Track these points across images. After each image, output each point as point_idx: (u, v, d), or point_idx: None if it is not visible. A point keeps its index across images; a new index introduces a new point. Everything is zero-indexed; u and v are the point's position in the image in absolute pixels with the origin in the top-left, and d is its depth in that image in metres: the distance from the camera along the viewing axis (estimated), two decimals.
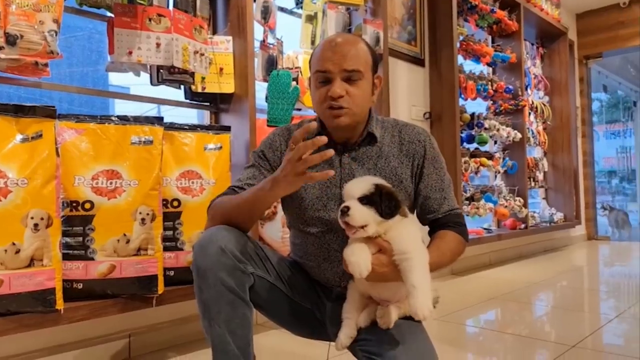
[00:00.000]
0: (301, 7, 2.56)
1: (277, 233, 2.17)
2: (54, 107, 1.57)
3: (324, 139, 1.02)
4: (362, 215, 1.04)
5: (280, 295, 1.25)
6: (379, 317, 1.11)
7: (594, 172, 6.16)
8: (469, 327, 2.37)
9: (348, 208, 1.05)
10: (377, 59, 1.27)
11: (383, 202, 1.05)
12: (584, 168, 5.88)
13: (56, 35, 1.54)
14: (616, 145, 10.34)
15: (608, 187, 10.47)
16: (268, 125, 2.31)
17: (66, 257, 1.62)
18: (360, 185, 1.09)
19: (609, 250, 5.21)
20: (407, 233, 1.08)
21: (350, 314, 1.17)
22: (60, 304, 1.54)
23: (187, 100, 2.29)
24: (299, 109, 2.51)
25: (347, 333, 1.16)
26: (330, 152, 1.03)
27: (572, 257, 4.75)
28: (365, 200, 1.05)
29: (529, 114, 4.70)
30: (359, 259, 1.04)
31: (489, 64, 4.28)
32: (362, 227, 1.05)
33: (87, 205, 1.67)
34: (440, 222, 1.23)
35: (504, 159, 4.23)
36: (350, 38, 1.24)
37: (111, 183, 1.71)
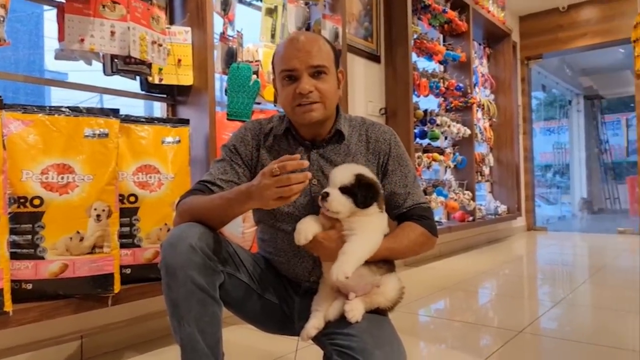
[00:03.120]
0: (261, 0, 2.53)
1: (237, 228, 2.14)
2: (0, 96, 1.47)
3: (305, 163, 1.03)
4: (339, 203, 1.10)
5: (249, 291, 1.24)
6: (347, 310, 1.13)
7: (533, 167, 6.52)
8: (422, 316, 2.45)
9: (327, 194, 1.10)
10: (337, 53, 1.30)
11: (360, 193, 1.10)
12: (524, 163, 6.20)
13: (3, 21, 1.44)
14: (552, 141, 10.98)
15: (543, 180, 11.13)
16: (228, 119, 2.27)
17: (14, 256, 1.52)
18: (344, 174, 1.13)
19: (546, 239, 5.54)
20: (367, 220, 1.13)
21: (319, 307, 1.19)
22: (8, 306, 1.45)
23: (143, 92, 2.20)
24: (259, 103, 2.49)
25: (313, 324, 1.17)
26: (306, 162, 1.04)
27: (514, 247, 5.02)
28: (345, 190, 1.10)
29: (477, 111, 4.90)
30: (303, 227, 1.12)
31: (440, 62, 4.41)
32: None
33: (36, 202, 1.58)
34: (406, 216, 1.26)
35: (454, 154, 4.38)
36: (311, 35, 1.26)
37: (62, 178, 1.63)
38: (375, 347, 1.04)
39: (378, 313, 1.17)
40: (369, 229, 1.11)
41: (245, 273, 1.23)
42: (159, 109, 2.42)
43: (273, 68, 1.29)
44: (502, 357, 1.81)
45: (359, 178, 1.12)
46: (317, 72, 1.20)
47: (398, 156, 1.29)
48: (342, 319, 1.14)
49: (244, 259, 1.24)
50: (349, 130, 1.30)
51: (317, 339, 1.20)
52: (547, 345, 1.99)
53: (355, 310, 1.11)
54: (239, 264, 1.22)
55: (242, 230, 2.17)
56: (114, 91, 2.11)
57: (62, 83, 2.02)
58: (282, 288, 1.31)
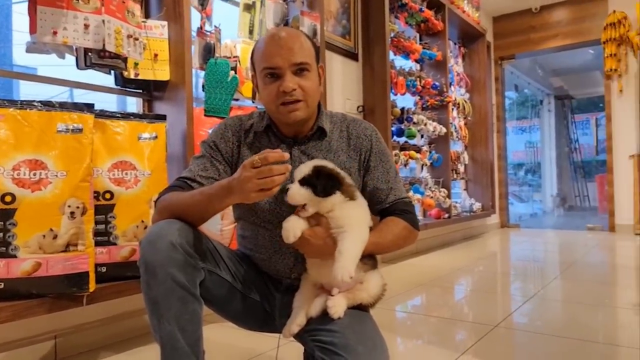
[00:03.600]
0: None
1: (215, 226, 2.12)
2: None
3: (286, 156, 1.02)
4: (298, 194, 1.11)
5: (229, 289, 1.23)
6: (329, 307, 1.13)
7: (506, 165, 6.65)
8: (399, 312, 2.48)
9: (288, 189, 1.12)
10: (318, 49, 1.29)
11: (319, 182, 1.11)
12: (498, 161, 6.33)
13: None
14: (523, 140, 11.22)
15: (515, 178, 11.37)
16: (205, 115, 2.25)
17: None
18: (303, 168, 1.14)
19: (519, 236, 5.67)
20: (349, 213, 1.14)
21: (301, 304, 1.19)
22: None
23: (118, 87, 2.16)
24: (236, 99, 2.46)
25: (296, 321, 1.17)
26: (286, 155, 1.03)
27: (488, 244, 5.12)
28: (303, 182, 1.12)
29: (452, 109, 4.97)
30: (290, 225, 1.12)
31: (417, 61, 4.45)
32: (303, 206, 1.13)
33: (8, 198, 1.53)
34: (389, 211, 1.27)
35: (430, 152, 4.43)
36: (292, 31, 1.25)
37: (35, 174, 1.58)
38: (358, 343, 1.04)
39: (360, 309, 1.18)
40: (356, 224, 1.12)
41: (226, 270, 1.22)
42: (134, 105, 2.38)
43: (252, 64, 1.28)
44: (477, 351, 1.84)
45: (317, 169, 1.13)
46: (300, 70, 1.19)
47: (380, 152, 1.30)
48: (324, 316, 1.14)
49: (224, 256, 1.23)
50: (330, 126, 1.30)
51: (299, 336, 1.20)
52: (521, 339, 2.03)
53: (338, 306, 1.11)
54: (219, 260, 1.21)
55: (220, 228, 2.15)
56: (87, 85, 2.06)
57: (34, 77, 1.96)
58: (263, 285, 1.31)
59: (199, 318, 1.12)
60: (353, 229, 1.10)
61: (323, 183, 1.11)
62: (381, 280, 1.20)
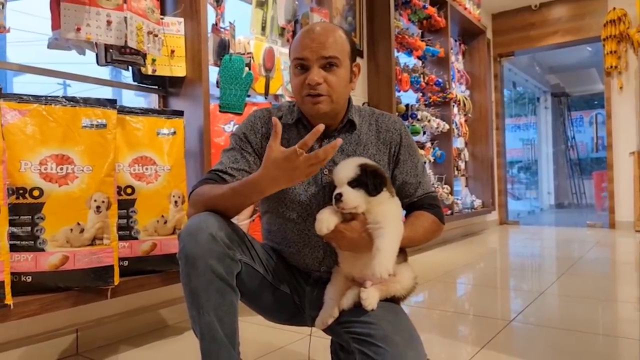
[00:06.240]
0: None
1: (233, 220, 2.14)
2: None
3: (321, 127, 1.05)
4: (354, 199, 1.11)
5: (262, 281, 1.25)
6: (363, 299, 1.15)
7: (505, 162, 6.71)
8: (416, 307, 2.51)
9: (341, 195, 1.11)
10: (355, 47, 1.30)
11: (370, 181, 1.12)
12: (497, 158, 6.38)
13: (3, 8, 1.40)
14: (519, 137, 11.28)
15: (509, 176, 11.43)
16: (220, 111, 2.27)
17: (13, 248, 1.49)
18: (347, 168, 1.14)
19: (520, 233, 5.73)
20: (388, 208, 1.16)
21: (334, 295, 1.21)
22: (9, 299, 1.42)
23: (136, 83, 2.17)
24: (249, 95, 2.49)
25: (329, 312, 1.19)
26: (321, 127, 1.06)
27: (490, 240, 5.18)
28: (354, 183, 1.12)
29: (453, 106, 5.01)
30: (325, 217, 1.13)
31: (419, 58, 4.49)
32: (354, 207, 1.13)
33: (36, 193, 1.55)
34: (417, 205, 1.30)
35: (434, 148, 4.47)
36: (329, 26, 1.26)
37: (62, 169, 1.60)
38: (395, 333, 1.06)
39: (391, 302, 1.20)
40: (393, 220, 1.13)
41: (259, 263, 1.24)
42: (143, 100, 2.39)
43: (289, 55, 1.30)
44: (495, 346, 1.88)
45: (364, 167, 1.14)
46: (329, 64, 1.21)
47: (408, 145, 1.33)
48: (356, 308, 1.16)
49: (258, 249, 1.26)
50: (359, 120, 1.32)
51: (331, 328, 1.22)
52: (537, 334, 2.08)
53: (372, 297, 1.13)
54: (253, 253, 1.23)
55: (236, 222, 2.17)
56: (107, 82, 2.08)
57: (56, 73, 1.96)
58: (292, 278, 1.33)
59: (235, 309, 1.14)
60: (390, 225, 1.11)
61: (373, 182, 1.12)
62: (412, 272, 1.23)
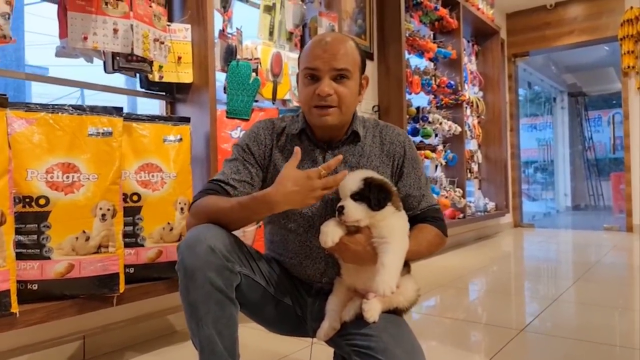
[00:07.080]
0: None
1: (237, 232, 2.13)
2: (5, 95, 1.45)
3: (339, 158, 1.13)
4: (355, 212, 1.11)
5: (263, 293, 1.24)
6: (365, 310, 1.13)
7: (520, 164, 6.61)
8: (427, 315, 2.48)
9: (343, 207, 1.10)
10: (365, 59, 1.29)
11: (372, 196, 1.11)
12: (511, 160, 6.29)
13: (9, 18, 1.41)
14: (535, 137, 11.11)
15: (524, 176, 11.26)
16: (227, 117, 2.27)
17: (19, 256, 1.50)
18: (352, 181, 1.13)
19: (535, 236, 5.64)
20: (394, 223, 1.14)
21: (335, 307, 1.20)
22: (15, 307, 1.43)
23: (143, 90, 2.18)
24: (256, 101, 2.48)
25: (330, 324, 1.18)
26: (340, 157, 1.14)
27: (504, 244, 5.11)
28: (357, 196, 1.11)
29: (465, 108, 4.95)
30: (330, 230, 1.12)
31: (431, 60, 4.44)
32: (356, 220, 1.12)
33: (42, 201, 1.56)
34: (420, 218, 1.28)
35: (445, 151, 4.42)
36: (341, 37, 1.25)
37: (68, 177, 1.61)
38: (396, 346, 1.05)
39: (393, 314, 1.18)
40: (398, 235, 1.12)
41: (260, 274, 1.23)
42: (157, 105, 2.40)
43: (298, 63, 1.29)
44: (506, 355, 1.84)
45: (368, 181, 1.13)
46: (340, 76, 1.20)
47: (412, 158, 1.31)
48: (358, 320, 1.14)
49: (258, 260, 1.25)
50: (363, 131, 1.31)
51: (332, 340, 1.21)
52: (549, 344, 2.03)
53: (374, 310, 1.12)
54: (254, 265, 1.22)
55: (243, 229, 2.17)
56: (113, 89, 2.09)
57: (67, 81, 1.98)
58: (294, 289, 1.32)
59: (235, 321, 1.13)
60: (395, 240, 1.10)
61: (376, 196, 1.11)
62: (416, 284, 1.21)
